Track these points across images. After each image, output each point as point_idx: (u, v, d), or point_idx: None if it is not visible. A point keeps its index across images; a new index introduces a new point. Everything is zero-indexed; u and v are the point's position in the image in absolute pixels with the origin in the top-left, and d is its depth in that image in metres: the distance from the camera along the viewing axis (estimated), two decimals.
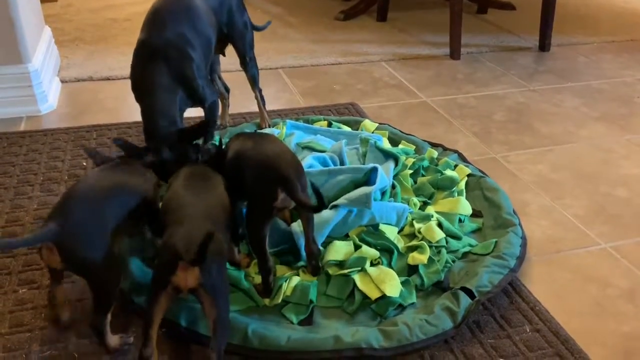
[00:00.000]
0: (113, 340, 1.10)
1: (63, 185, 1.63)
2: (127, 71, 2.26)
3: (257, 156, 1.25)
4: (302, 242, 1.30)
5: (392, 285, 1.24)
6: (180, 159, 1.37)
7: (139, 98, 1.47)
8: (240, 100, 2.09)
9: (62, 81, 2.30)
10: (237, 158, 1.28)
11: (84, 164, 1.73)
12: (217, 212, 1.14)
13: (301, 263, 1.30)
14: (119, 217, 1.11)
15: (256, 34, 1.90)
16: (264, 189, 1.20)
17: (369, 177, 1.48)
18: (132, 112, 1.70)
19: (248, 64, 1.83)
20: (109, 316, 1.08)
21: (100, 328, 1.07)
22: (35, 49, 2.08)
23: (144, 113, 1.44)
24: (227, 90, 1.97)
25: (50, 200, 1.55)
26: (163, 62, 1.43)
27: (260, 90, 1.88)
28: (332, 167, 1.55)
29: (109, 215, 1.09)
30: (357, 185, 1.47)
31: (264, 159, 1.23)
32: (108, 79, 2.34)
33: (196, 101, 1.52)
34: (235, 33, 1.76)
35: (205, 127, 1.41)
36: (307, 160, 1.55)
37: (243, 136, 1.36)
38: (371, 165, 1.49)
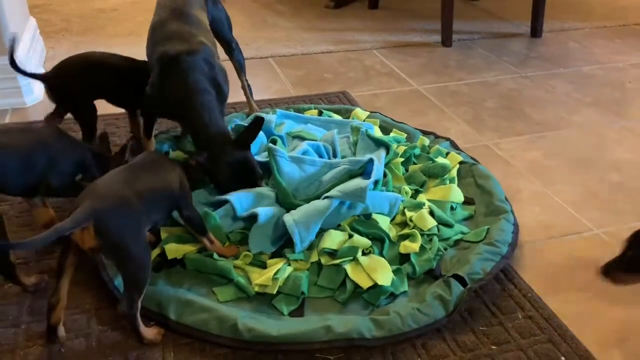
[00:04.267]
0: (147, 332, 1.09)
1: None
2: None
3: None
4: (297, 234, 1.28)
5: (383, 274, 1.23)
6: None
7: (178, 110, 1.44)
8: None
9: None
10: None
11: None
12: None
13: (294, 256, 1.29)
14: (150, 204, 1.11)
15: (246, 22, 1.88)
16: None
17: (364, 169, 1.47)
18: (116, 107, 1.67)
19: (234, 50, 1.81)
20: (139, 304, 1.06)
21: (132, 315, 1.06)
22: (19, 40, 2.04)
23: (196, 125, 1.41)
24: None
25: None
26: (200, 73, 1.43)
27: (246, 79, 1.87)
28: (332, 160, 1.54)
29: (141, 202, 1.09)
30: (352, 175, 1.45)
31: None
32: None
33: (222, 101, 1.51)
34: (219, 20, 1.74)
35: (259, 124, 1.42)
36: (302, 147, 1.53)
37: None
38: (368, 156, 1.48)
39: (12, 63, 1.46)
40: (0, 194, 1.28)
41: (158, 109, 1.53)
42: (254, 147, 1.54)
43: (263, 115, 1.54)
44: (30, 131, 1.34)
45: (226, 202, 1.36)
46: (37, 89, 2.08)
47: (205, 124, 1.40)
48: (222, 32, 1.77)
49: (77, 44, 2.54)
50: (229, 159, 1.38)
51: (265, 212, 1.32)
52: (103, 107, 1.64)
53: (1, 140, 1.22)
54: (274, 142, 1.59)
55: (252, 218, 1.32)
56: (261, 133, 1.58)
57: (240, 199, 1.36)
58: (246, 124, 1.53)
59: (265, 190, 1.43)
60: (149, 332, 1.10)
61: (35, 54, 2.21)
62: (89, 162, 1.32)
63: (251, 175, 1.42)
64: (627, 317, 1.19)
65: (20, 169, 1.20)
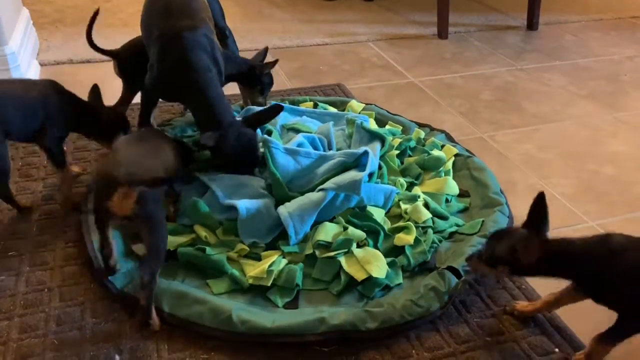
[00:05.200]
0: (154, 318, 1.09)
1: (42, 170, 1.59)
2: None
3: None
4: (291, 227, 1.28)
5: (378, 266, 1.23)
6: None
7: (181, 90, 1.42)
8: None
9: (41, 64, 2.25)
10: None
11: (64, 148, 1.69)
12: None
13: (288, 248, 1.29)
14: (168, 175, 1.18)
15: (240, 13, 1.86)
16: None
17: (359, 161, 1.46)
18: (113, 95, 1.65)
19: (228, 37, 1.79)
20: (157, 278, 1.09)
21: (151, 288, 1.07)
22: (12, 31, 2.02)
23: (202, 104, 1.40)
24: None
25: (29, 186, 1.52)
26: (202, 50, 1.40)
27: None
28: (327, 152, 1.53)
29: (163, 174, 1.15)
30: (347, 168, 1.45)
31: None
32: (88, 61, 2.29)
33: (220, 79, 1.49)
34: (211, 6, 1.71)
35: (276, 111, 1.43)
36: (297, 139, 1.53)
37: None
38: (363, 149, 1.47)
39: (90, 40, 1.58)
40: (9, 139, 1.34)
41: (159, 91, 1.50)
42: None
43: (280, 104, 1.51)
44: (34, 83, 1.42)
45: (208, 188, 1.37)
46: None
47: (211, 103, 1.39)
48: (214, 20, 1.74)
49: (71, 35, 2.52)
50: (239, 138, 1.39)
51: (245, 204, 1.32)
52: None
53: (8, 89, 1.32)
54: (269, 133, 1.58)
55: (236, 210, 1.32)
56: None
57: (221, 186, 1.36)
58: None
59: (246, 178, 1.43)
60: (155, 317, 1.10)
61: (28, 45, 2.19)
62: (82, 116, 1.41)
63: (252, 156, 1.43)
64: None
65: (23, 117, 1.30)
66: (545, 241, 1.01)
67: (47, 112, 1.34)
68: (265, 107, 1.55)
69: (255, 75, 1.72)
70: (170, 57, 1.40)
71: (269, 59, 1.75)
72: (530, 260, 1.00)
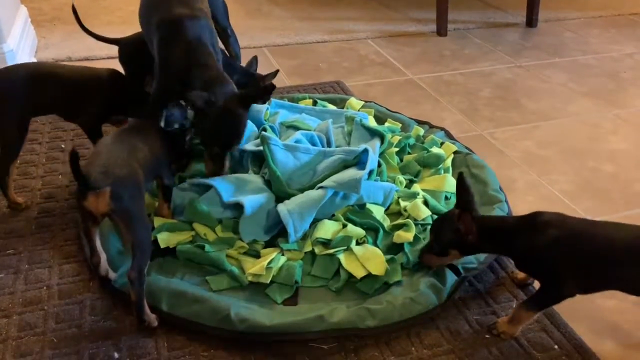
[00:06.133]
0: (148, 313, 1.09)
1: (41, 168, 1.59)
2: (106, 51, 2.22)
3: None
4: (290, 224, 1.28)
5: (377, 263, 1.23)
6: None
7: (184, 72, 1.35)
8: None
9: None
10: None
11: (62, 146, 1.69)
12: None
13: (288, 246, 1.29)
14: (146, 172, 1.17)
15: (240, 10, 1.86)
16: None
17: (359, 159, 1.46)
18: None
19: (230, 36, 1.78)
20: (146, 272, 1.09)
21: (140, 283, 1.07)
22: (10, 29, 2.02)
23: (203, 78, 1.34)
24: None
25: (28, 184, 1.51)
26: (203, 36, 1.38)
27: None
28: (326, 148, 1.53)
29: (142, 170, 1.15)
30: (346, 165, 1.45)
31: None
32: (87, 59, 2.28)
33: None
34: (214, 4, 1.70)
35: (270, 90, 1.36)
36: (295, 136, 1.52)
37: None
38: (363, 147, 1.47)
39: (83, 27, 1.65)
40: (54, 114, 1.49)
41: (170, 82, 1.41)
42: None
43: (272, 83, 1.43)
44: (82, 70, 1.48)
45: (210, 187, 1.36)
46: None
47: (214, 75, 1.34)
48: (216, 17, 1.73)
49: (69, 32, 2.51)
50: (228, 108, 1.32)
51: (251, 202, 1.31)
52: None
53: (58, 72, 1.42)
54: (265, 130, 1.58)
55: (240, 206, 1.31)
56: (250, 122, 1.58)
57: (223, 185, 1.35)
58: None
59: (247, 176, 1.42)
60: (150, 313, 1.10)
61: (26, 43, 2.18)
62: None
63: (235, 137, 1.36)
64: (620, 306, 1.19)
65: (64, 97, 1.41)
66: (481, 218, 1.13)
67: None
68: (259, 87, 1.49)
69: (256, 85, 1.70)
70: (171, 43, 1.37)
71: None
72: (472, 234, 1.10)
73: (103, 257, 1.17)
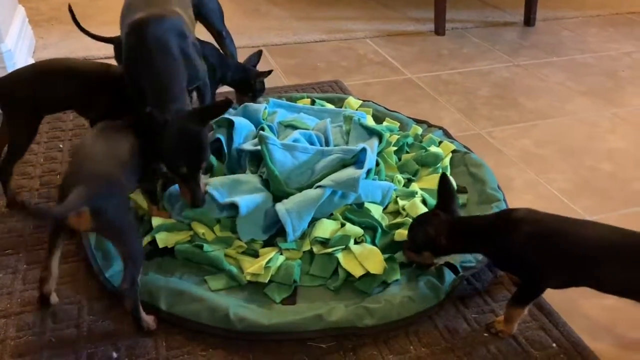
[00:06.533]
0: (145, 316, 1.09)
1: (39, 168, 1.59)
2: (104, 51, 2.22)
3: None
4: (289, 223, 1.28)
5: (375, 262, 1.23)
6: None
7: (145, 73, 1.30)
8: None
9: None
10: None
11: (60, 146, 1.69)
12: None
13: (286, 245, 1.29)
14: (127, 177, 1.13)
15: (238, 10, 1.86)
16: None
17: (357, 158, 1.46)
18: None
19: (225, 38, 1.78)
20: (139, 282, 1.07)
21: (134, 292, 1.05)
22: (7, 29, 2.02)
23: (153, 86, 1.28)
24: None
25: (26, 184, 1.51)
26: (169, 39, 1.31)
27: None
28: (324, 147, 1.53)
29: (124, 176, 1.11)
30: (345, 164, 1.45)
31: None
32: (85, 59, 2.28)
33: (192, 79, 1.40)
34: (208, 6, 1.70)
35: (225, 106, 1.26)
36: (293, 135, 1.52)
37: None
38: (361, 146, 1.47)
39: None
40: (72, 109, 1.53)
41: (134, 90, 1.36)
42: (240, 135, 1.53)
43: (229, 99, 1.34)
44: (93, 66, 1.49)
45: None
46: None
47: (164, 87, 1.26)
48: (210, 20, 1.72)
49: (67, 32, 2.51)
50: (178, 126, 1.22)
51: (246, 202, 1.31)
52: None
53: (72, 67, 1.43)
54: (262, 130, 1.58)
55: (236, 207, 1.31)
56: (248, 122, 1.58)
57: (216, 187, 1.34)
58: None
59: (243, 176, 1.42)
60: (147, 317, 1.10)
61: (24, 43, 2.18)
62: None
63: (198, 154, 1.25)
64: (617, 304, 1.19)
65: (79, 92, 1.40)
66: (455, 219, 1.13)
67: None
68: (215, 102, 1.45)
69: (248, 82, 1.74)
70: (132, 39, 1.32)
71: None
72: (443, 236, 1.10)
73: (54, 273, 1.12)
